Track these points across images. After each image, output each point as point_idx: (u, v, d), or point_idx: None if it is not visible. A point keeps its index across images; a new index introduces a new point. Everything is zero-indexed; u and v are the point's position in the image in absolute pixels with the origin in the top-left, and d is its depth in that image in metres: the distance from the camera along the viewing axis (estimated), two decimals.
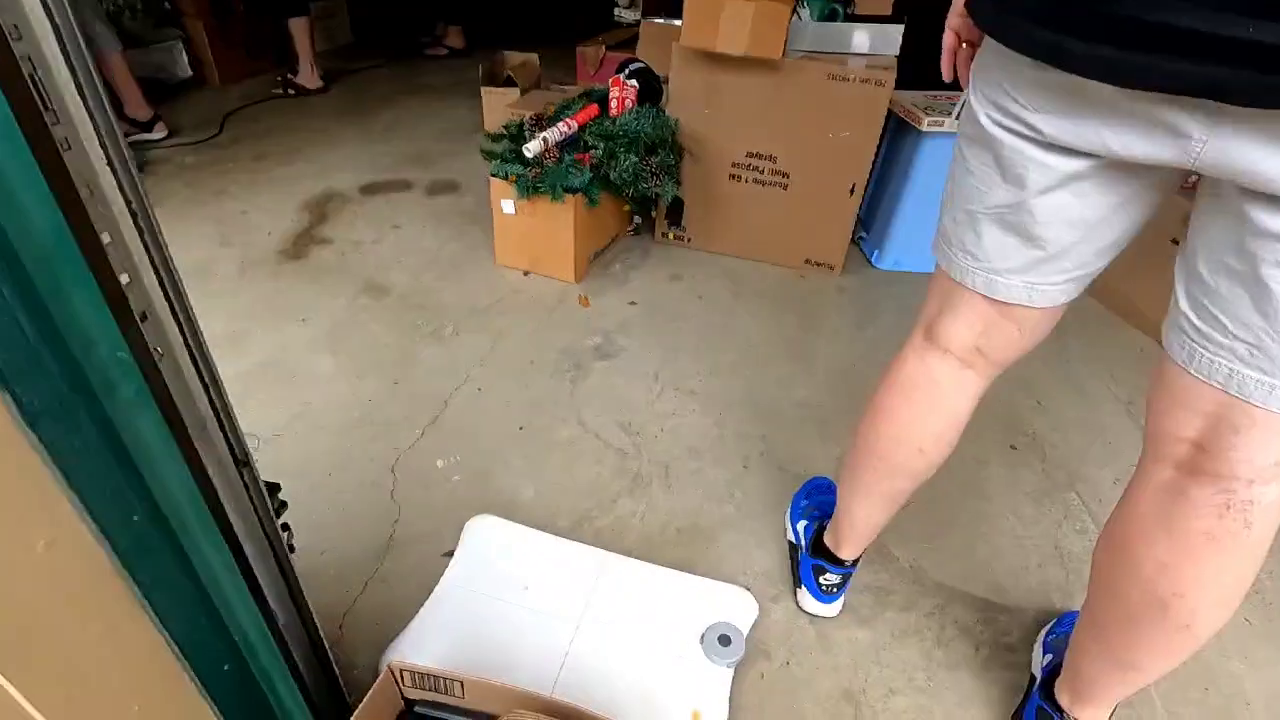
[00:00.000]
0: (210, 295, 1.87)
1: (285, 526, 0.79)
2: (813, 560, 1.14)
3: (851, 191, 1.96)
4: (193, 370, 0.57)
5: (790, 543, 1.26)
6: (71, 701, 0.46)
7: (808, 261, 2.12)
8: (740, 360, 1.74)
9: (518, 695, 0.81)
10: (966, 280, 0.80)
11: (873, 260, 2.17)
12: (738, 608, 1.11)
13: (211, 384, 0.60)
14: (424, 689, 0.85)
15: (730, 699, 1.01)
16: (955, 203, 0.78)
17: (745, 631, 1.08)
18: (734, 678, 1.04)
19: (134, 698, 0.52)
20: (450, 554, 1.19)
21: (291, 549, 0.78)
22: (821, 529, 1.15)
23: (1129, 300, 1.92)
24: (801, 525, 1.23)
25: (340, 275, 1.99)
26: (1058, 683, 0.93)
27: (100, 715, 0.50)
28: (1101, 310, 1.96)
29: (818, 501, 1.27)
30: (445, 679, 0.83)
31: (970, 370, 0.87)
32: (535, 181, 1.79)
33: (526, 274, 2.03)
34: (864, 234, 2.27)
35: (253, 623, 0.67)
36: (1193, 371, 0.65)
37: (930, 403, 0.90)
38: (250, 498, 0.71)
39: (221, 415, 0.61)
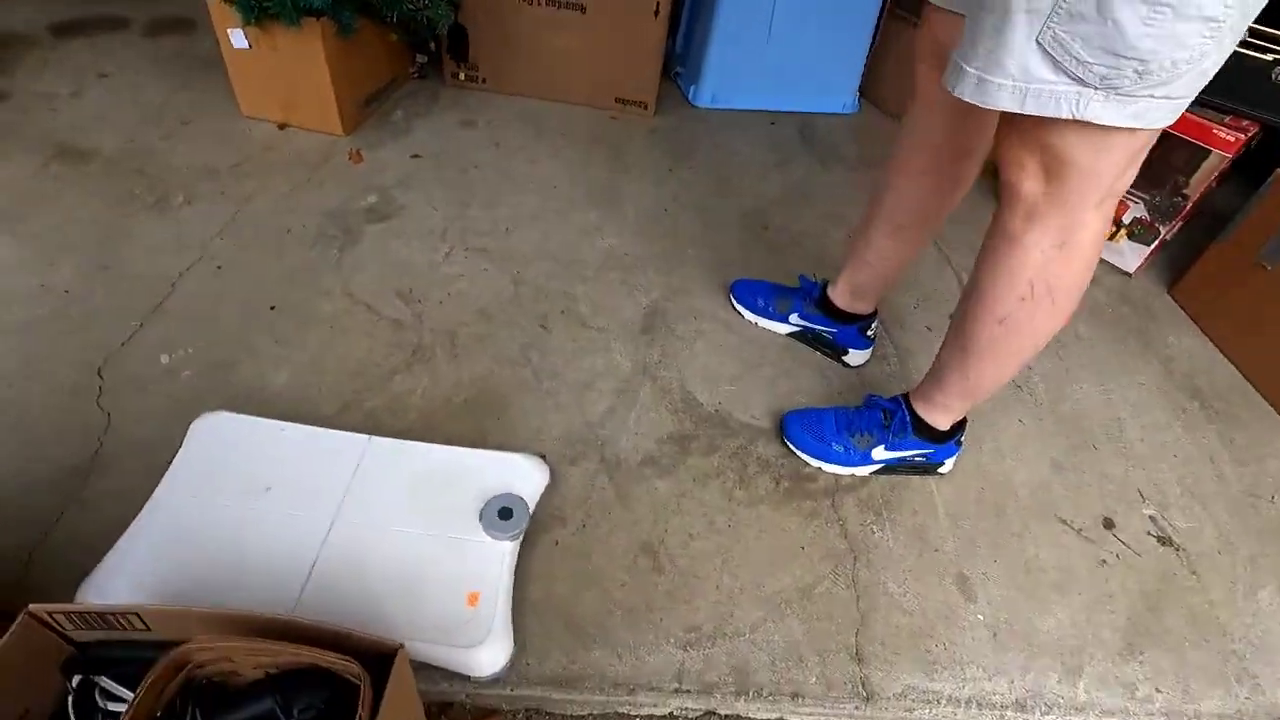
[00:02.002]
0: None
1: None
2: (856, 325, 1.27)
3: (656, 13, 1.74)
4: None
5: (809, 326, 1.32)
6: None
7: (619, 100, 1.91)
8: (541, 210, 1.55)
9: (214, 617, 0.66)
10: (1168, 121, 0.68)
11: (690, 97, 2.00)
12: (525, 477, 1.00)
13: None
14: (93, 628, 0.67)
15: (516, 572, 0.92)
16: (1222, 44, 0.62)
17: (533, 501, 0.98)
18: (522, 550, 0.95)
19: None
20: None
21: None
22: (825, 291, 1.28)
23: None
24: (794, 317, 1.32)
25: (20, 139, 1.54)
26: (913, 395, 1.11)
27: None
28: None
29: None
30: (113, 615, 0.65)
31: None
32: (261, 0, 1.42)
33: (283, 127, 1.68)
34: (680, 68, 2.07)
35: None
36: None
37: None
38: None
39: None
